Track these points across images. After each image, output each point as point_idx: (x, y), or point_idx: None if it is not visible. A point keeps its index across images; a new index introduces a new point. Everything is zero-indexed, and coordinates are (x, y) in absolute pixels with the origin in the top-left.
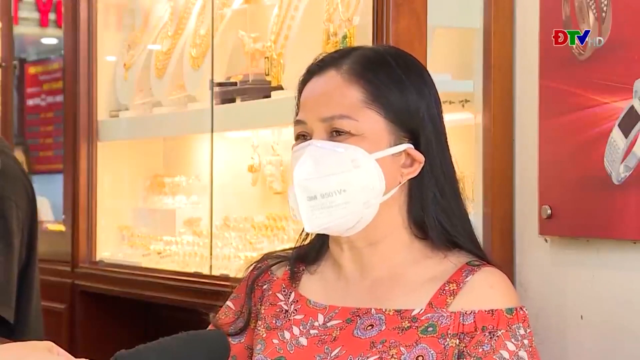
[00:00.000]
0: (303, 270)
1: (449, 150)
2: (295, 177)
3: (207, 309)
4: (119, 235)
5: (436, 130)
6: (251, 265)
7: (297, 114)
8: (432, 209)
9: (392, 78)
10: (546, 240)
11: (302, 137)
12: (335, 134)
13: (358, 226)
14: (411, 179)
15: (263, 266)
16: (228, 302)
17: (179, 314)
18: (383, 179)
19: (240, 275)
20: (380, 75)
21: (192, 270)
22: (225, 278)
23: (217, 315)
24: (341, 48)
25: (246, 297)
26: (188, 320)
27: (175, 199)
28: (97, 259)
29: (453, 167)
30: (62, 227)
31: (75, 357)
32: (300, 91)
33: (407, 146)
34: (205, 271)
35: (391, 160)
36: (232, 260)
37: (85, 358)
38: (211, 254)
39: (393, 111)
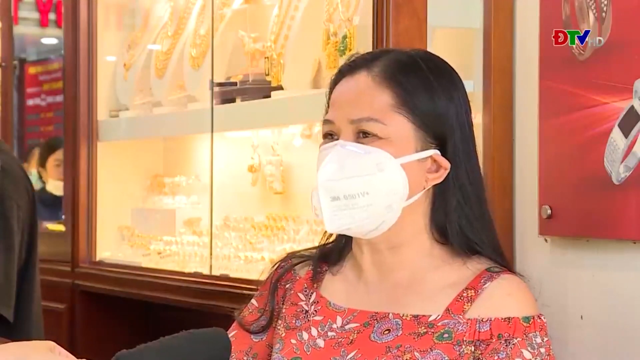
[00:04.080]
0: (326, 270)
1: (476, 156)
2: (319, 177)
3: (208, 309)
4: (119, 235)
5: (464, 137)
6: (275, 264)
7: (326, 113)
8: (455, 216)
9: (423, 83)
10: (546, 240)
11: (329, 136)
12: (362, 136)
13: (380, 229)
14: (436, 184)
15: (287, 265)
16: (252, 300)
17: (179, 314)
18: (407, 183)
19: (239, 276)
20: (411, 79)
21: (192, 270)
22: (226, 278)
23: (242, 312)
24: (373, 50)
25: (269, 296)
26: (188, 320)
27: (175, 199)
28: (97, 259)
29: (480, 174)
30: (62, 227)
31: (76, 357)
32: (330, 90)
33: (434, 152)
34: (205, 271)
35: (417, 165)
36: (232, 260)
37: (86, 358)
38: (211, 254)
39: (421, 117)
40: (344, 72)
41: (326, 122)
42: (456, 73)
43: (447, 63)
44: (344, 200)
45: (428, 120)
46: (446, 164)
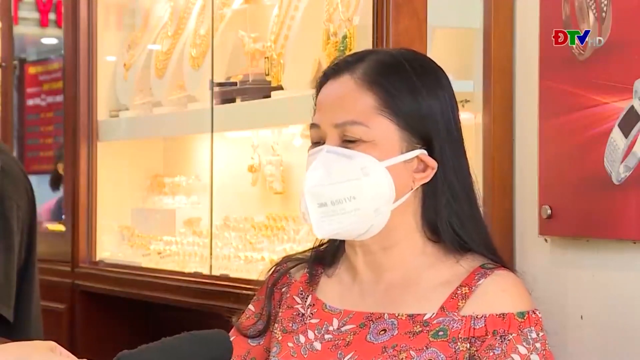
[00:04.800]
0: (321, 272)
1: (464, 154)
2: (306, 183)
3: (208, 309)
4: (119, 235)
5: (450, 135)
6: (271, 267)
7: (314, 116)
8: (445, 214)
9: (406, 84)
10: (546, 240)
11: (316, 141)
12: (347, 141)
13: (370, 232)
14: (425, 183)
15: (282, 269)
16: (250, 305)
17: (179, 314)
18: (393, 186)
19: (239, 276)
20: (394, 81)
21: (192, 270)
22: (226, 278)
23: (240, 318)
24: (358, 51)
25: (266, 300)
26: (188, 320)
27: (175, 199)
28: (97, 259)
29: (468, 172)
30: (62, 227)
31: (76, 358)
32: (317, 93)
33: (420, 152)
34: (205, 271)
35: (403, 167)
36: (232, 260)
37: (86, 358)
38: (211, 254)
39: (405, 118)
40: (328, 75)
41: (312, 126)
42: (442, 71)
43: (432, 62)
44: (331, 206)
45: (412, 121)
46: (433, 163)
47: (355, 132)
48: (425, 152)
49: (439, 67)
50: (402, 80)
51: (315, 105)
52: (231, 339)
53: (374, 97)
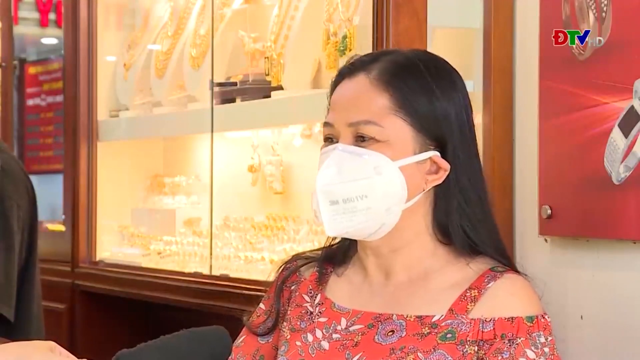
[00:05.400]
0: (331, 272)
1: (477, 155)
2: (318, 181)
3: (208, 309)
4: (119, 235)
5: (464, 137)
6: (281, 266)
7: (327, 115)
8: (456, 217)
9: (420, 85)
10: (546, 240)
11: (329, 139)
12: (361, 139)
13: (380, 232)
14: (436, 185)
15: (292, 267)
16: (260, 304)
17: (179, 314)
18: (405, 186)
19: (239, 276)
20: (409, 82)
21: (192, 270)
22: (226, 278)
23: (251, 317)
24: (373, 51)
25: (275, 298)
26: (188, 320)
27: (175, 199)
28: (97, 259)
29: (481, 174)
30: (62, 227)
31: (76, 358)
32: (331, 92)
33: (433, 154)
34: (205, 271)
35: (416, 168)
36: (232, 260)
37: (86, 358)
38: (211, 254)
39: (419, 119)
40: (343, 75)
41: (326, 124)
42: (457, 73)
43: (447, 63)
44: (343, 204)
45: (427, 122)
46: (446, 165)
47: (369, 131)
48: (438, 154)
49: (453, 68)
50: (417, 82)
51: (329, 104)
52: (242, 338)
53: (389, 97)
